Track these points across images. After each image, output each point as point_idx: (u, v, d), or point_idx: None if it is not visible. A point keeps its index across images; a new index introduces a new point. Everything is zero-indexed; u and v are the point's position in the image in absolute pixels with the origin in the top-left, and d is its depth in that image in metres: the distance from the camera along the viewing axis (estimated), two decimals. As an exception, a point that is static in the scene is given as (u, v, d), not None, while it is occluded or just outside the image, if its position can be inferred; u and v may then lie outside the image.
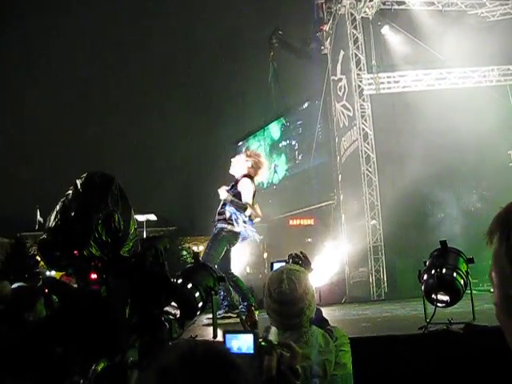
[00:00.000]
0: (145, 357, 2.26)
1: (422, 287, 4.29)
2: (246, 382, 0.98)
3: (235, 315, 5.96)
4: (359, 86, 12.69)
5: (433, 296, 4.17)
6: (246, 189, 6.42)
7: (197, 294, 3.79)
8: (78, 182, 2.44)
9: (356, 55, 12.81)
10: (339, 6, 13.33)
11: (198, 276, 3.94)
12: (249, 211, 6.33)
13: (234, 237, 6.36)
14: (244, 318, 5.32)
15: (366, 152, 12.42)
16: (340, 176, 15.09)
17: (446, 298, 4.14)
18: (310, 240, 18.06)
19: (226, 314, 6.10)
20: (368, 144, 12.43)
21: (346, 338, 2.60)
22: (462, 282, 4.17)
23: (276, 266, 3.00)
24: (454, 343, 3.88)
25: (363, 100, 12.63)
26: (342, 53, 13.75)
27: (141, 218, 22.57)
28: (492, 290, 0.90)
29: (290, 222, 19.15)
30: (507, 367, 0.84)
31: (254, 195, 6.53)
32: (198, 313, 3.92)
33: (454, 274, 4.15)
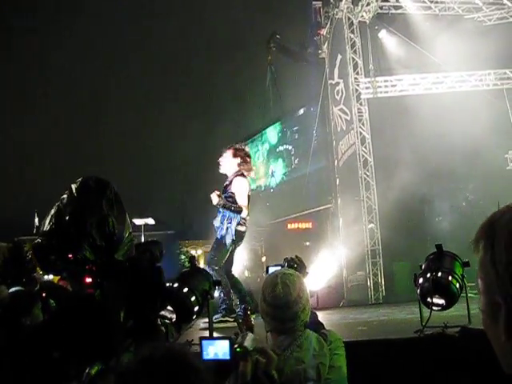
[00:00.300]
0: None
1: (418, 291, 4.31)
2: None
3: (232, 319, 5.96)
4: (356, 90, 12.72)
5: (428, 299, 4.19)
6: (241, 188, 6.39)
7: (193, 298, 3.80)
8: (73, 186, 2.45)
9: (353, 59, 12.85)
10: (336, 10, 13.37)
11: (194, 280, 3.95)
12: (245, 212, 6.32)
13: (240, 236, 6.37)
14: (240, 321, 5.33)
15: (363, 156, 12.44)
16: (338, 180, 15.10)
17: (441, 301, 4.16)
18: (308, 244, 18.06)
19: (223, 318, 6.10)
20: (365, 148, 12.46)
21: (340, 341, 2.61)
22: (457, 285, 4.19)
23: (271, 269, 3.02)
24: (449, 347, 3.89)
25: (361, 104, 12.66)
26: (339, 57, 13.79)
27: (139, 221, 22.53)
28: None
29: (288, 226, 19.15)
30: (502, 371, 0.85)
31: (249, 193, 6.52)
32: (194, 317, 3.93)
33: (450, 278, 4.17)
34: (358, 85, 12.72)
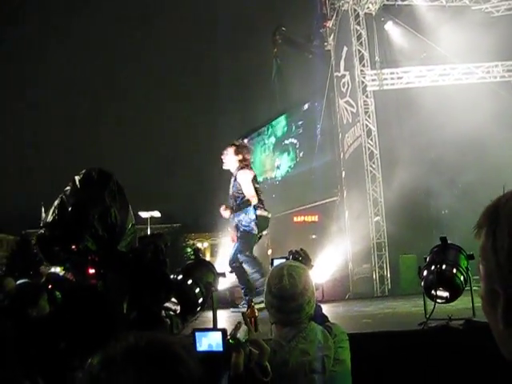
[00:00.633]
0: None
1: (422, 283, 4.30)
2: (191, 375, 0.96)
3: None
4: (362, 82, 12.66)
5: (432, 292, 4.18)
6: (245, 179, 6.61)
7: (197, 290, 3.81)
8: (77, 178, 2.47)
9: (359, 51, 12.78)
10: (342, 1, 13.30)
11: (198, 272, 3.96)
12: (254, 200, 6.49)
13: (264, 221, 6.59)
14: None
15: (369, 148, 12.41)
16: (343, 172, 15.08)
17: (445, 294, 4.15)
18: (314, 237, 18.04)
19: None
20: (371, 140, 12.42)
21: (344, 334, 2.61)
22: (461, 278, 4.18)
23: (276, 262, 3.03)
24: (453, 339, 3.89)
25: (366, 96, 12.61)
26: (345, 49, 13.72)
27: (145, 214, 22.67)
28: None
29: (295, 219, 19.14)
30: (506, 364, 0.86)
31: (255, 179, 6.71)
32: (199, 309, 3.95)
33: (454, 270, 4.16)
34: (364, 77, 12.66)
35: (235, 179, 6.66)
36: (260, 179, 6.93)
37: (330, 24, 14.83)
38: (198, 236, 41.54)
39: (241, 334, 1.83)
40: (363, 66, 12.73)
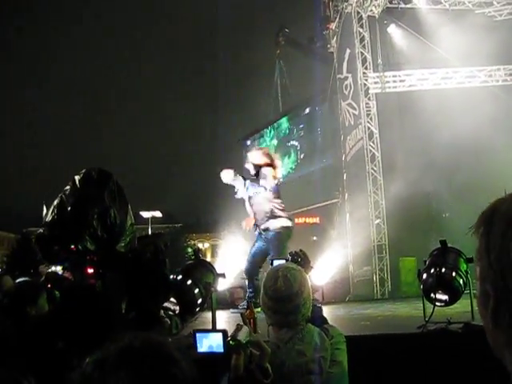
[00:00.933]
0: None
1: (421, 286, 4.30)
2: (185, 377, 0.96)
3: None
4: (365, 85, 12.67)
5: (432, 295, 4.18)
6: (269, 174, 6.41)
7: (196, 291, 3.82)
8: (77, 177, 2.48)
9: (362, 54, 12.79)
10: (346, 4, 13.32)
11: (197, 272, 3.97)
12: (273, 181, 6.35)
13: (290, 231, 6.47)
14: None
15: (371, 151, 12.41)
16: (345, 175, 15.08)
17: (444, 297, 4.15)
18: (315, 238, 18.05)
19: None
20: (373, 143, 12.42)
21: (342, 336, 2.62)
22: (461, 281, 4.17)
23: (276, 263, 3.04)
24: (452, 342, 3.89)
25: (369, 99, 12.61)
26: (348, 51, 13.74)
27: (146, 214, 22.68)
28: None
29: (296, 221, 19.10)
30: (505, 367, 0.86)
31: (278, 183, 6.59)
32: (198, 309, 3.96)
33: (454, 274, 4.15)
34: (366, 79, 12.67)
35: (258, 174, 6.51)
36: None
37: (333, 26, 14.85)
38: (199, 236, 41.52)
39: (241, 336, 1.83)
40: (366, 68, 12.73)
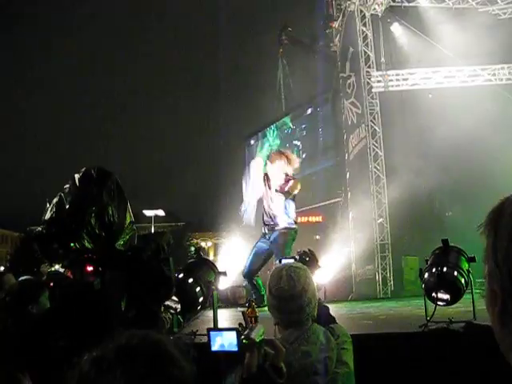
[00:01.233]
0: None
1: (423, 285, 4.29)
2: (183, 376, 0.95)
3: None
4: (368, 84, 12.64)
5: (433, 294, 4.17)
6: (294, 186, 6.67)
7: (197, 289, 3.83)
8: (76, 176, 2.48)
9: (365, 52, 12.76)
10: (349, 2, 13.28)
11: (199, 271, 3.98)
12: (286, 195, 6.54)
13: (294, 231, 6.77)
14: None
15: (374, 149, 12.38)
16: (348, 173, 15.06)
17: (446, 296, 4.14)
18: (318, 237, 18.04)
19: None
20: (376, 142, 12.40)
21: (347, 336, 2.60)
22: (462, 280, 4.17)
23: (284, 262, 3.04)
24: (453, 342, 3.88)
25: (372, 97, 12.58)
26: (351, 50, 13.70)
27: (149, 213, 22.69)
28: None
29: (299, 219, 19.09)
30: (507, 367, 0.86)
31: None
32: (199, 307, 3.96)
33: (455, 273, 4.15)
34: (369, 78, 12.64)
35: (285, 182, 6.67)
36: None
37: (336, 25, 14.82)
38: (202, 235, 41.56)
39: (255, 334, 1.82)
40: (369, 67, 12.70)
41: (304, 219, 19.25)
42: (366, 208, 12.53)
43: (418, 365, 3.68)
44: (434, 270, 4.20)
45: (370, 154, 12.37)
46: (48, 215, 2.44)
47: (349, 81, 13.99)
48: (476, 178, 10.71)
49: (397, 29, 12.99)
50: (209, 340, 1.78)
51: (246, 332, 1.81)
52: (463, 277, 4.16)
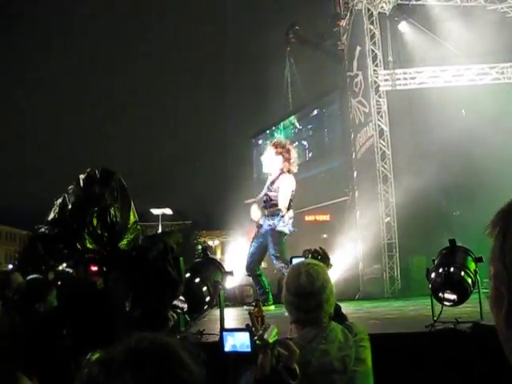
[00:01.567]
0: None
1: (430, 285, 4.28)
2: (193, 380, 0.94)
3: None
4: (375, 82, 12.58)
5: (440, 295, 4.16)
6: (285, 185, 6.50)
7: (204, 289, 3.83)
8: (81, 176, 2.49)
9: (372, 51, 12.70)
10: (356, 1, 13.23)
11: (205, 271, 3.98)
12: (284, 211, 6.41)
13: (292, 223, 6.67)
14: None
15: (381, 148, 12.32)
16: (355, 172, 15.02)
17: (453, 296, 4.13)
18: (325, 236, 18.02)
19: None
20: (384, 140, 12.34)
21: (365, 333, 2.58)
22: (469, 280, 4.16)
23: (295, 260, 3.03)
24: (460, 342, 3.87)
25: (379, 96, 12.52)
26: (358, 48, 13.65)
27: (156, 211, 22.74)
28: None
29: (306, 218, 19.10)
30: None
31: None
32: (206, 307, 3.97)
33: (462, 273, 4.14)
34: (376, 77, 12.57)
35: (276, 178, 6.56)
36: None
37: (343, 23, 14.76)
38: (209, 233, 41.62)
39: (269, 335, 1.81)
40: (376, 65, 12.64)
41: (311, 218, 19.25)
42: (373, 207, 12.48)
43: (425, 365, 3.68)
44: (440, 270, 4.19)
45: (378, 153, 12.31)
46: (51, 216, 2.45)
47: (356, 79, 13.94)
48: (484, 178, 10.66)
49: (404, 27, 12.92)
50: (222, 341, 1.77)
51: (259, 333, 1.80)
52: (470, 277, 4.15)
